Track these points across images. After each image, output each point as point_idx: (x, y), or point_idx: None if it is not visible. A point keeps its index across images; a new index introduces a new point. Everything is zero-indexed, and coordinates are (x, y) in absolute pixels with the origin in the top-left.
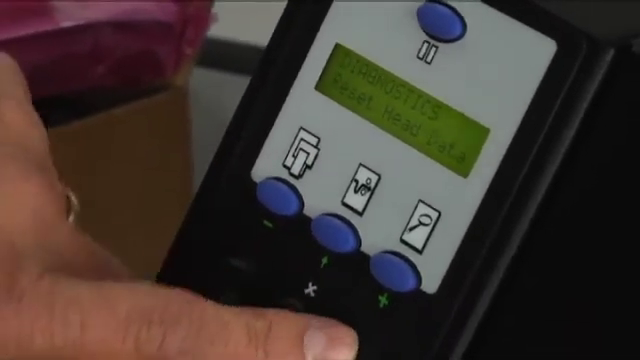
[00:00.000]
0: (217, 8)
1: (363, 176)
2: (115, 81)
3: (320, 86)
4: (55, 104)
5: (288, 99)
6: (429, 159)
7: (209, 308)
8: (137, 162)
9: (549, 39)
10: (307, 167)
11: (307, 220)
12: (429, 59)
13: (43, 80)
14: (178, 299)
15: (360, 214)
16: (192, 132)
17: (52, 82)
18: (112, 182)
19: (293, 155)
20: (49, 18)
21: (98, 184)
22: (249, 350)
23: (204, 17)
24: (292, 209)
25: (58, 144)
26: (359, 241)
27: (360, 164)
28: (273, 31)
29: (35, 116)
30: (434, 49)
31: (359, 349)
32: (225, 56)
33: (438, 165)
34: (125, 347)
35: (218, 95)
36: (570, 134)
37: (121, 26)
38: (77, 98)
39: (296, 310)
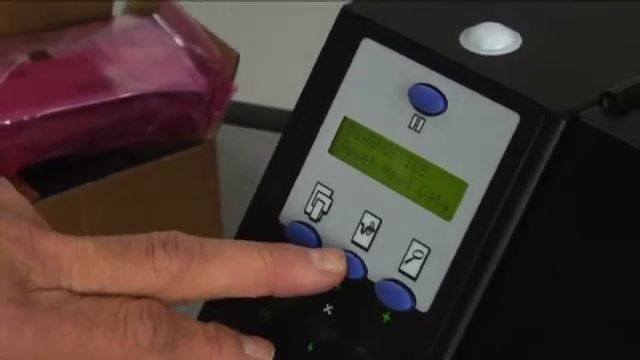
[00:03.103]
0: (237, 80)
1: (368, 220)
2: (160, 137)
3: (332, 150)
4: (116, 156)
5: (307, 160)
6: (420, 207)
7: None
8: (178, 198)
9: (513, 112)
10: (324, 213)
11: None
12: (418, 128)
13: (106, 138)
14: None
15: (366, 249)
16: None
17: (113, 139)
18: (160, 214)
19: (312, 204)
20: (109, 90)
21: (150, 217)
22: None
23: (228, 87)
24: (313, 245)
25: (117, 187)
26: (366, 270)
27: (365, 210)
28: (295, 105)
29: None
30: (422, 120)
31: (367, 356)
32: (244, 115)
33: (427, 211)
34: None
35: (238, 144)
36: (531, 188)
37: (164, 95)
38: (132, 151)
39: (315, 325)
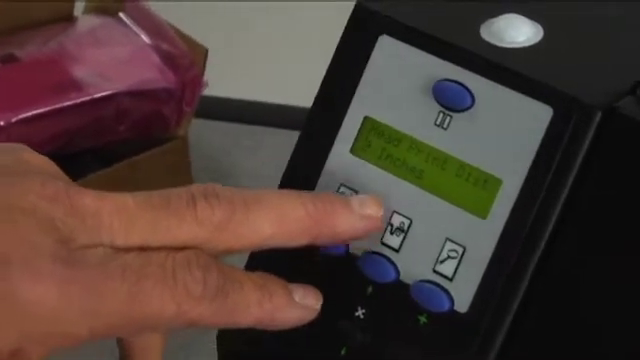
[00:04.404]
0: (207, 75)
1: (397, 220)
2: (133, 135)
3: (354, 150)
4: (89, 155)
5: (328, 161)
6: (452, 205)
7: None
8: None
9: (546, 106)
10: None
11: (354, 257)
12: (445, 126)
13: (80, 138)
14: None
15: (397, 251)
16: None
17: (87, 139)
18: None
19: None
20: (82, 91)
21: None
22: None
23: (198, 83)
24: (341, 250)
25: (92, 186)
26: (398, 272)
27: (394, 211)
28: (312, 104)
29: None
30: (449, 117)
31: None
32: (216, 109)
33: (460, 210)
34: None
35: (210, 138)
36: (568, 183)
37: (135, 94)
38: (105, 150)
39: (348, 330)
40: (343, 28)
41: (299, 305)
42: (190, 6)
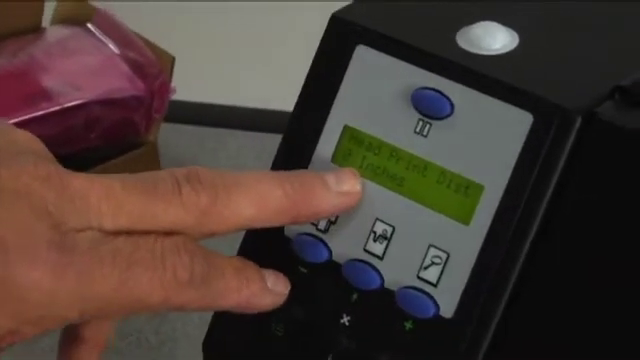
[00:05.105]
0: (174, 82)
1: (380, 228)
2: (104, 143)
3: (335, 159)
4: (61, 163)
5: (309, 169)
6: (434, 212)
7: None
8: None
9: (526, 112)
10: (331, 223)
11: (337, 265)
12: (425, 133)
13: (51, 146)
14: None
15: (381, 258)
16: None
17: (58, 147)
18: None
19: None
20: (52, 101)
21: None
22: None
23: (166, 89)
24: (323, 257)
25: None
26: (382, 279)
27: (376, 218)
28: (291, 113)
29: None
30: (428, 125)
31: None
32: (184, 113)
33: (443, 216)
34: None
35: (178, 142)
36: (550, 188)
37: (105, 102)
38: (76, 157)
39: (333, 337)
40: (304, 31)
41: (272, 291)
42: (153, 12)
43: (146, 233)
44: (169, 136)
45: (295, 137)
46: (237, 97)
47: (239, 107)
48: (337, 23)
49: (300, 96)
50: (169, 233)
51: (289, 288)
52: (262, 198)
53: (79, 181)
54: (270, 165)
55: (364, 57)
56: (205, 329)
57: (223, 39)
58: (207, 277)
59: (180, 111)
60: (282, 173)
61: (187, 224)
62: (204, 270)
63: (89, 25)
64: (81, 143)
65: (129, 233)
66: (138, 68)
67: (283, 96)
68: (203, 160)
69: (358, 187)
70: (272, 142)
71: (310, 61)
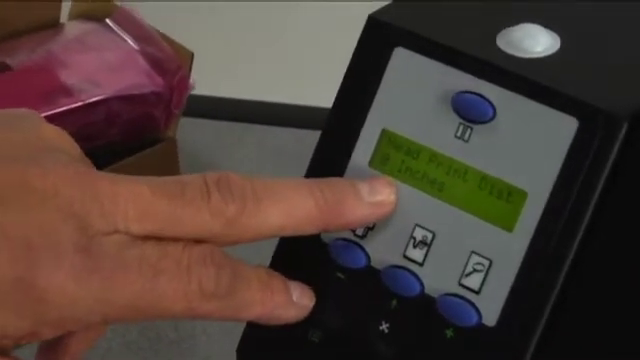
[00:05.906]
0: (193, 77)
1: (419, 234)
2: (124, 138)
3: (373, 163)
4: None
5: (346, 174)
6: (476, 218)
7: None
8: None
9: (571, 117)
10: (369, 229)
11: (376, 271)
12: (466, 138)
13: None
14: None
15: (421, 264)
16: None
17: (78, 143)
18: None
19: None
20: (72, 97)
21: None
22: None
23: (185, 85)
24: (361, 263)
25: None
26: (422, 286)
27: (416, 224)
28: (327, 117)
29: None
30: (469, 129)
31: None
32: (203, 108)
33: (485, 223)
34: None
35: (197, 137)
36: (597, 194)
37: (125, 98)
38: (96, 153)
39: (372, 344)
40: (322, 27)
41: (296, 304)
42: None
43: (174, 240)
44: (187, 131)
45: (332, 141)
46: (255, 92)
47: (257, 102)
48: (374, 24)
49: (337, 98)
50: (197, 240)
51: (314, 301)
52: (292, 208)
53: (106, 182)
54: (288, 160)
55: (402, 59)
56: (224, 327)
57: (242, 34)
58: (232, 289)
59: (198, 106)
60: (314, 181)
61: (213, 232)
62: (229, 282)
63: (108, 21)
64: (101, 139)
65: (158, 238)
66: (157, 64)
67: (301, 91)
68: (221, 155)
69: (392, 197)
70: (290, 137)
71: (328, 57)
